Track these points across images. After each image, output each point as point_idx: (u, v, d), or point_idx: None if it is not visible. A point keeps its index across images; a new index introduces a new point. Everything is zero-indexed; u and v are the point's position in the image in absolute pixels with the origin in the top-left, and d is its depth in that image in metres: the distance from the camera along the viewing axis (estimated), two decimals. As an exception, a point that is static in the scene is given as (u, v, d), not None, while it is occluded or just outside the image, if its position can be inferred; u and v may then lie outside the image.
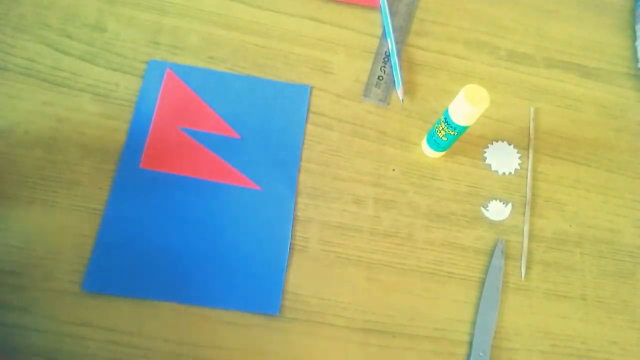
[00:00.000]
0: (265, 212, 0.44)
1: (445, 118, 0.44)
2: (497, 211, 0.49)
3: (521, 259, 0.47)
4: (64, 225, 0.42)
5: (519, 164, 0.51)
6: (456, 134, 0.45)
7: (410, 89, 0.53)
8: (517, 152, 0.52)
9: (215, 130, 0.47)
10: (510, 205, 0.49)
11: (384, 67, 0.51)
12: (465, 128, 0.44)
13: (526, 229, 0.48)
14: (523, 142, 0.53)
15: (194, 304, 0.41)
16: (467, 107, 0.41)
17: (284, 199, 0.45)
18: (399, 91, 0.50)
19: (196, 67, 0.49)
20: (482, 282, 0.46)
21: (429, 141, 0.49)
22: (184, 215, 0.43)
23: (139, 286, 0.40)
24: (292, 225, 0.44)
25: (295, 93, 0.49)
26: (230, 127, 0.47)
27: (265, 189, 0.45)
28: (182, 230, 0.43)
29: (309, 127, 0.49)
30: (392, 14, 0.48)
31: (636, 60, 0.59)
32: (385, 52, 0.52)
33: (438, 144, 0.47)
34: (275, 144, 0.47)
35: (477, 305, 0.45)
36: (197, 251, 0.42)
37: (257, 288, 0.42)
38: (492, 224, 0.48)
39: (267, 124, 0.47)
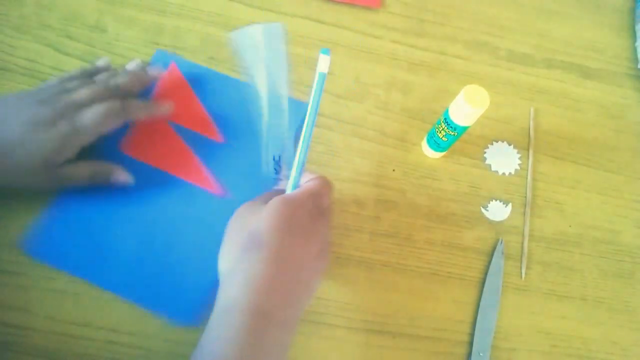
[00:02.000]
0: (224, 223, 0.40)
1: (445, 118, 0.44)
2: (497, 211, 0.49)
3: (521, 259, 0.47)
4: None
5: (519, 164, 0.51)
6: (456, 134, 0.45)
7: (410, 89, 0.53)
8: (517, 152, 0.52)
9: (201, 131, 0.46)
10: (510, 205, 0.49)
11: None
12: (465, 128, 0.44)
13: (526, 229, 0.48)
14: (523, 142, 0.53)
15: (111, 291, 0.40)
16: (467, 107, 0.41)
17: None
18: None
19: (200, 65, 0.49)
20: (482, 282, 0.46)
21: (429, 141, 0.49)
22: (144, 206, 0.43)
23: (72, 262, 0.40)
24: None
25: (293, 108, 0.46)
26: (218, 130, 0.47)
27: (237, 198, 0.43)
28: (135, 220, 0.42)
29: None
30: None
31: (636, 60, 0.59)
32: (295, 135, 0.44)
33: (438, 144, 0.47)
34: (259, 154, 0.45)
35: (477, 305, 0.45)
36: (138, 242, 0.41)
37: (178, 294, 0.40)
38: (492, 224, 0.48)
39: (257, 134, 0.45)
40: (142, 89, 0.46)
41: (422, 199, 0.48)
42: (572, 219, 0.50)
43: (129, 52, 0.49)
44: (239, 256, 0.33)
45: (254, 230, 0.33)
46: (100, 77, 0.44)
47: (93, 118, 0.40)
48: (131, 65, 0.47)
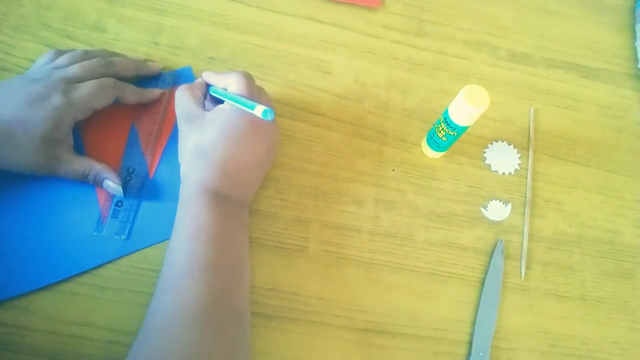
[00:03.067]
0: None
1: (445, 118, 0.44)
2: (497, 211, 0.49)
3: (521, 259, 0.47)
4: None
5: (518, 164, 0.51)
6: (456, 134, 0.45)
7: (410, 89, 0.53)
8: (517, 152, 0.52)
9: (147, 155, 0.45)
10: (510, 205, 0.49)
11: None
12: (465, 128, 0.44)
13: (526, 229, 0.48)
14: (523, 142, 0.53)
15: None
16: (467, 107, 0.41)
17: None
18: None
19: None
20: (482, 282, 0.46)
21: (429, 141, 0.49)
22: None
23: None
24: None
25: None
26: (158, 164, 0.45)
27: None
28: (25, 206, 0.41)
29: (308, 127, 0.49)
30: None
31: (636, 60, 0.59)
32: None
33: (438, 144, 0.47)
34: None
35: (477, 305, 0.45)
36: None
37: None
38: (492, 224, 0.48)
39: None
40: (135, 77, 0.46)
41: (422, 199, 0.48)
42: (572, 219, 0.50)
43: (129, 52, 0.49)
44: (190, 164, 0.39)
45: (198, 142, 0.39)
46: (96, 51, 0.45)
47: (87, 91, 0.41)
48: (130, 57, 0.47)
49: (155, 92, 0.47)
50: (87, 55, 0.44)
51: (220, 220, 0.37)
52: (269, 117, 0.37)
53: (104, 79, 0.42)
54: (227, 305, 0.35)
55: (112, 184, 0.42)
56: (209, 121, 0.40)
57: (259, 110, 0.38)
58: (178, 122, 0.42)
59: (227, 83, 0.42)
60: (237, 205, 0.40)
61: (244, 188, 0.41)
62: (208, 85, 0.45)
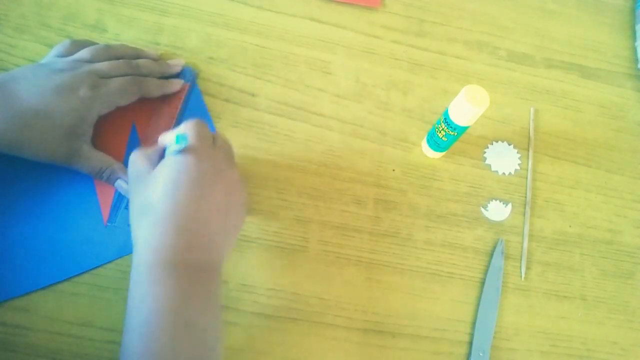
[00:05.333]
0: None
1: (445, 118, 0.44)
2: (497, 211, 0.49)
3: (521, 259, 0.47)
4: None
5: (519, 164, 0.51)
6: (456, 134, 0.45)
7: (410, 89, 0.53)
8: (517, 152, 0.52)
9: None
10: (510, 205, 0.49)
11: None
12: (465, 128, 0.44)
13: (526, 229, 0.48)
14: (523, 142, 0.53)
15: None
16: (467, 107, 0.41)
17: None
18: None
19: (205, 106, 0.48)
20: (482, 282, 0.46)
21: (429, 141, 0.49)
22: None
23: None
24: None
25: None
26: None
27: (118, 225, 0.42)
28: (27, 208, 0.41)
29: (308, 127, 0.49)
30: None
31: (636, 60, 0.59)
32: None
33: (438, 144, 0.47)
34: None
35: (477, 305, 0.45)
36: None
37: None
38: (492, 224, 0.48)
39: None
40: (158, 76, 0.47)
41: (422, 199, 0.48)
42: (572, 219, 0.50)
43: (129, 52, 0.49)
44: (135, 225, 0.34)
45: (144, 199, 0.34)
46: (121, 52, 0.46)
47: (114, 87, 0.41)
48: (150, 52, 0.48)
49: (176, 83, 0.47)
50: (110, 51, 0.45)
51: (175, 304, 0.31)
52: (182, 143, 0.34)
53: (129, 77, 0.43)
54: None
55: (124, 185, 0.42)
56: (155, 174, 0.35)
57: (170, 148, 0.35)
58: (129, 188, 0.38)
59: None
60: (200, 274, 0.33)
61: (206, 249, 0.34)
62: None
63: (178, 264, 0.32)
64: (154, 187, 0.34)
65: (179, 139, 0.34)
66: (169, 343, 0.30)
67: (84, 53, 0.43)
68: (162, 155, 0.38)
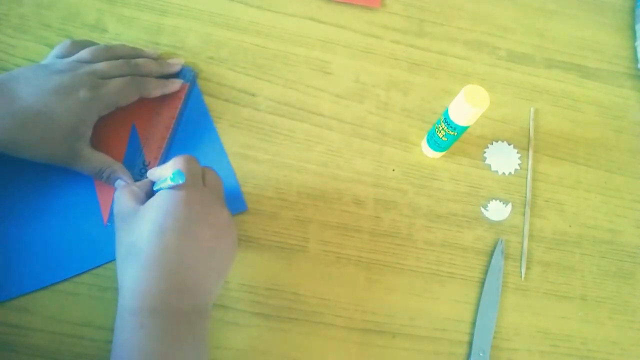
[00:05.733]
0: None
1: (445, 118, 0.44)
2: (497, 211, 0.49)
3: (521, 259, 0.47)
4: None
5: (519, 164, 0.51)
6: (456, 134, 0.45)
7: (410, 89, 0.53)
8: (517, 152, 0.52)
9: (145, 151, 0.45)
10: (510, 205, 0.49)
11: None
12: (465, 128, 0.44)
13: (526, 229, 0.48)
14: (523, 142, 0.53)
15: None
16: (467, 107, 0.41)
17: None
18: None
19: (205, 106, 0.48)
20: (482, 282, 0.46)
21: (429, 141, 0.49)
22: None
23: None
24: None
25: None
26: (156, 165, 0.44)
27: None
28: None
29: (308, 127, 0.49)
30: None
31: (636, 60, 0.59)
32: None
33: (438, 144, 0.47)
34: None
35: (477, 305, 0.45)
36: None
37: None
38: (492, 224, 0.48)
39: None
40: (157, 75, 0.47)
41: (422, 199, 0.48)
42: (572, 219, 0.50)
43: (129, 52, 0.49)
44: (120, 267, 0.33)
45: (129, 240, 0.33)
46: (121, 50, 0.45)
47: (114, 88, 0.41)
48: (149, 52, 0.48)
49: (176, 82, 0.47)
50: (110, 51, 0.45)
51: (163, 347, 0.30)
52: (178, 181, 0.32)
53: (131, 79, 0.43)
54: None
55: (121, 184, 0.41)
56: (142, 214, 0.34)
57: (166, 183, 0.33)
58: (115, 226, 0.36)
59: (165, 169, 0.36)
60: (188, 319, 0.32)
61: (194, 293, 0.33)
62: (154, 183, 0.39)
63: (165, 310, 0.31)
64: (140, 228, 0.33)
65: (175, 176, 0.32)
66: None
67: (84, 54, 0.43)
68: (149, 191, 0.38)
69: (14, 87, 0.38)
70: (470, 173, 0.50)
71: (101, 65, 0.42)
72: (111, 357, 0.31)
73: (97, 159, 0.41)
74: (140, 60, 0.45)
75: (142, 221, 0.33)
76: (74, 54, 0.43)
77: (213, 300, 0.35)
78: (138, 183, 0.39)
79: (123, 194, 0.37)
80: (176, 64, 0.48)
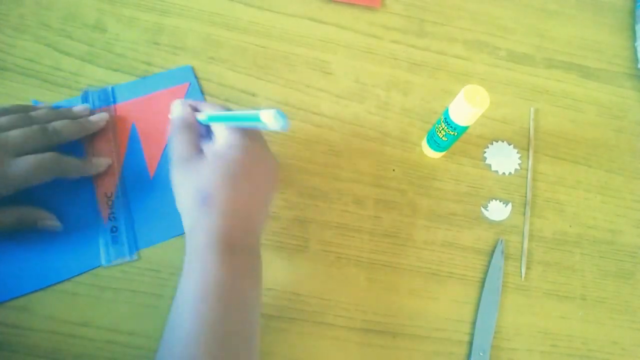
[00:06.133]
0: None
1: (445, 118, 0.44)
2: (497, 211, 0.49)
3: (521, 259, 0.47)
4: None
5: (519, 164, 0.51)
6: (456, 134, 0.45)
7: (410, 89, 0.53)
8: (517, 152, 0.52)
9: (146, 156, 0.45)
10: (510, 205, 0.49)
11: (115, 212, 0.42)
12: (465, 128, 0.44)
13: (526, 229, 0.48)
14: (523, 142, 0.53)
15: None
16: (467, 107, 0.41)
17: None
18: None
19: (205, 103, 0.47)
20: (482, 282, 0.46)
21: (429, 141, 0.49)
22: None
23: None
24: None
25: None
26: (156, 165, 0.45)
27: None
28: None
29: (308, 127, 0.49)
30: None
31: (636, 60, 0.59)
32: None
33: (438, 144, 0.47)
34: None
35: (477, 305, 0.45)
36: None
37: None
38: (492, 224, 0.48)
39: None
40: (83, 136, 0.43)
41: (422, 199, 0.48)
42: (572, 219, 0.50)
43: (129, 52, 0.49)
44: (195, 214, 0.36)
45: (201, 188, 0.36)
46: (40, 115, 0.41)
47: (24, 169, 0.37)
48: (78, 109, 0.44)
49: (102, 162, 0.43)
50: (28, 118, 0.40)
51: (232, 277, 0.34)
52: (282, 124, 0.32)
53: (45, 157, 0.38)
54: None
55: (49, 222, 0.40)
56: (208, 164, 0.37)
57: (268, 115, 0.32)
58: (172, 168, 0.38)
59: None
60: (250, 255, 0.36)
61: (255, 233, 0.37)
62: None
63: (234, 246, 0.35)
64: (210, 176, 0.36)
65: (278, 116, 0.32)
66: (222, 309, 0.32)
67: (2, 120, 0.39)
68: (202, 133, 0.40)
69: None
70: (470, 173, 0.50)
71: (14, 137, 0.37)
72: (178, 290, 0.34)
73: (7, 215, 0.39)
74: (57, 125, 0.40)
75: (210, 172, 0.36)
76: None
77: (260, 242, 0.39)
78: (192, 123, 0.40)
79: (181, 139, 0.39)
80: (100, 119, 0.44)
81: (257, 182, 0.38)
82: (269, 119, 0.32)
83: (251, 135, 0.39)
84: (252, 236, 0.37)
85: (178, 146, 0.38)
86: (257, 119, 0.33)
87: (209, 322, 0.32)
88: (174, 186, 0.38)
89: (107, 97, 0.47)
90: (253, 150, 0.38)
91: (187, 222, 0.37)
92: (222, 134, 0.38)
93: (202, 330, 0.32)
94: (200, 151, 0.38)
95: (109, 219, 0.42)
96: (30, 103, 0.45)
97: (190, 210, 0.36)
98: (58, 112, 0.43)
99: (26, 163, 0.37)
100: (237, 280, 0.34)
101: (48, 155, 0.38)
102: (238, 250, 0.35)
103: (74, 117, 0.43)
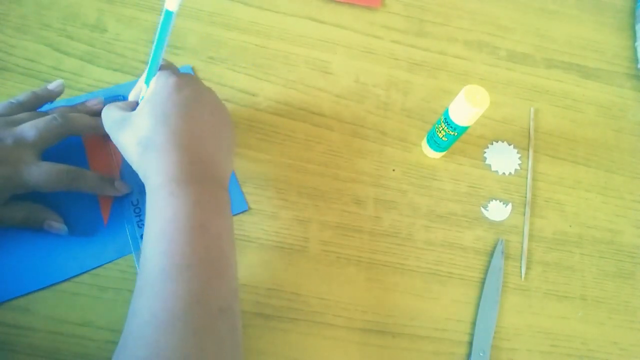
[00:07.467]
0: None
1: (445, 118, 0.44)
2: (497, 211, 0.49)
3: (521, 259, 0.47)
4: None
5: (519, 164, 0.51)
6: (456, 134, 0.45)
7: (410, 89, 0.53)
8: (517, 152, 0.52)
9: None
10: (510, 205, 0.49)
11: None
12: (465, 128, 0.44)
13: (526, 229, 0.48)
14: (523, 142, 0.53)
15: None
16: (467, 107, 0.41)
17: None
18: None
19: None
20: (482, 282, 0.46)
21: (429, 141, 0.49)
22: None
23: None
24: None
25: None
26: None
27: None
28: None
29: (308, 127, 0.49)
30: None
31: (636, 60, 0.59)
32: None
33: (438, 144, 0.47)
34: None
35: (477, 305, 0.45)
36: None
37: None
38: (492, 224, 0.48)
39: None
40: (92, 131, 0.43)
41: (422, 199, 0.48)
42: (572, 219, 0.50)
43: (129, 52, 0.49)
44: (144, 164, 0.36)
45: (140, 136, 0.36)
46: (54, 115, 0.41)
47: (42, 179, 0.38)
48: (92, 102, 0.45)
49: (122, 186, 0.43)
50: (48, 95, 0.42)
51: (189, 209, 0.33)
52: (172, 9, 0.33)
53: (69, 169, 0.39)
54: (209, 302, 0.31)
55: (55, 224, 0.40)
56: (137, 114, 0.37)
57: (169, 1, 0.34)
58: (110, 136, 0.39)
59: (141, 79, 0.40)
60: (208, 187, 0.35)
61: (208, 163, 0.36)
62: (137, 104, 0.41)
63: (189, 178, 0.34)
64: (143, 123, 0.36)
65: (167, 14, 0.34)
66: (186, 240, 0.32)
67: (16, 109, 0.40)
68: (134, 106, 0.40)
69: None
70: (470, 173, 0.50)
71: (28, 131, 0.38)
72: (144, 235, 0.34)
73: (16, 212, 0.39)
74: (75, 116, 0.41)
75: (143, 117, 0.36)
76: (15, 114, 0.40)
77: (229, 175, 0.39)
78: (123, 101, 0.41)
79: (110, 109, 0.39)
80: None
81: (196, 114, 0.37)
82: (171, 1, 0.33)
83: (177, 72, 0.39)
84: (209, 167, 0.36)
85: (109, 114, 0.39)
86: (166, 17, 0.35)
87: (174, 254, 0.32)
88: (120, 150, 0.38)
89: (117, 97, 0.47)
90: (182, 85, 0.37)
91: (140, 174, 0.36)
92: (150, 84, 0.38)
93: (168, 261, 0.31)
94: (129, 112, 0.38)
95: (138, 226, 0.42)
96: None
97: (139, 162, 0.36)
98: (73, 108, 0.44)
99: (46, 172, 0.38)
100: (197, 210, 0.33)
101: (69, 169, 0.39)
102: (192, 185, 0.34)
103: (88, 111, 0.44)
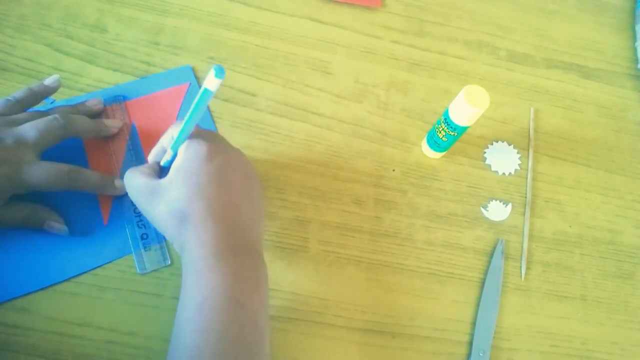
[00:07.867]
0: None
1: (445, 118, 0.44)
2: (497, 211, 0.49)
3: (521, 259, 0.47)
4: None
5: (519, 164, 0.51)
6: (456, 134, 0.45)
7: (410, 89, 0.53)
8: (517, 153, 0.52)
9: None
10: (510, 205, 0.49)
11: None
12: (465, 128, 0.44)
13: (526, 229, 0.48)
14: (523, 142, 0.53)
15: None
16: (467, 107, 0.41)
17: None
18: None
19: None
20: (482, 282, 0.46)
21: (429, 141, 0.49)
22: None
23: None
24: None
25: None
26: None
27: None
28: None
29: (308, 127, 0.49)
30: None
31: (636, 60, 0.59)
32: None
33: (438, 144, 0.47)
34: None
35: (477, 305, 0.45)
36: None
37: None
38: (492, 224, 0.48)
39: None
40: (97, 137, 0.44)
41: (422, 199, 0.48)
42: (572, 219, 0.50)
43: (129, 52, 0.49)
44: (179, 236, 0.35)
45: (173, 209, 0.35)
46: (55, 110, 0.41)
47: (43, 178, 0.38)
48: (91, 102, 0.45)
49: (122, 185, 0.41)
50: (44, 91, 0.42)
51: (227, 286, 0.33)
52: (222, 75, 0.32)
53: (69, 168, 0.39)
54: None
55: (56, 224, 0.40)
56: (168, 184, 0.36)
57: (210, 80, 0.33)
58: (137, 204, 0.37)
59: (165, 139, 0.39)
60: (246, 259, 0.35)
61: (244, 231, 0.36)
62: (161, 167, 0.40)
63: (224, 251, 0.34)
64: (177, 194, 0.35)
65: (217, 71, 0.32)
66: (220, 319, 0.31)
67: (14, 107, 0.40)
68: (158, 170, 0.40)
69: None
70: (470, 173, 0.50)
71: (28, 131, 0.38)
72: (178, 309, 0.33)
73: (16, 211, 0.39)
74: (75, 117, 0.41)
75: (176, 188, 0.35)
76: (14, 111, 0.40)
77: (262, 241, 0.38)
78: (145, 165, 0.40)
79: (134, 174, 0.38)
80: (114, 126, 0.44)
81: (230, 180, 0.36)
82: (212, 82, 0.33)
83: (206, 137, 0.37)
84: (246, 235, 0.36)
85: (134, 181, 0.37)
86: (204, 95, 0.34)
87: (207, 331, 0.31)
88: (150, 220, 0.37)
89: (117, 97, 0.47)
90: (214, 152, 0.36)
91: (176, 245, 0.36)
92: (179, 152, 0.37)
93: (203, 340, 0.31)
94: (157, 179, 0.37)
95: (138, 226, 0.42)
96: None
97: (174, 234, 0.35)
98: (73, 108, 0.43)
99: (47, 172, 0.38)
100: (234, 286, 0.33)
101: (70, 168, 0.39)
102: (231, 254, 0.34)
103: (88, 111, 0.44)
